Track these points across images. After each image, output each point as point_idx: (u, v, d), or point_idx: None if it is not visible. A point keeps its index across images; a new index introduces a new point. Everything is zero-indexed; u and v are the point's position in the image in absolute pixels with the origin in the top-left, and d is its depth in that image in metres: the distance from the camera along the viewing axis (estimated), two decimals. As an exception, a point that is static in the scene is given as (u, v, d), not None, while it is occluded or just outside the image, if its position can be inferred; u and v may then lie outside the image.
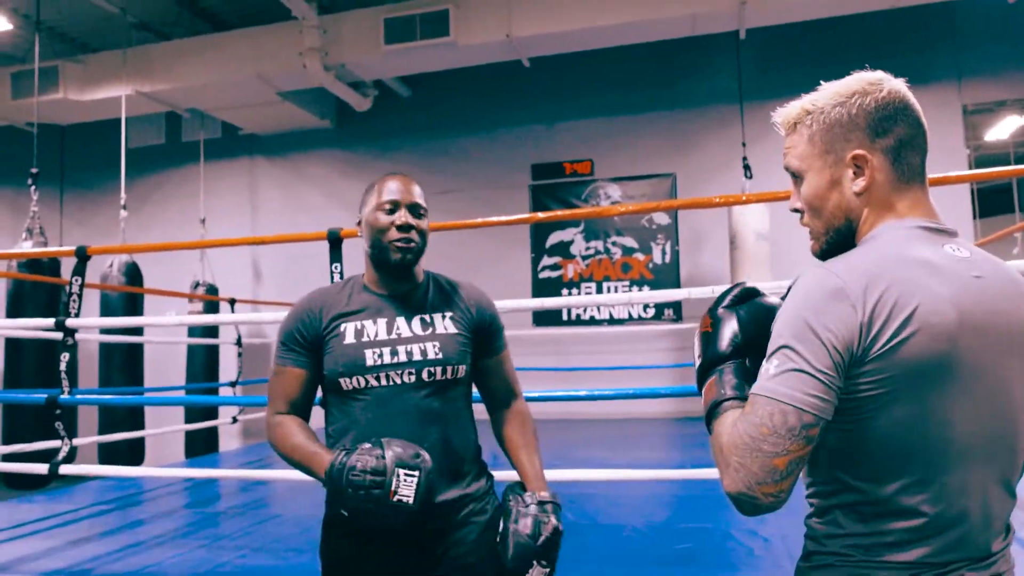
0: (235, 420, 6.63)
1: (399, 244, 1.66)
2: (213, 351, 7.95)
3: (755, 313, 1.14)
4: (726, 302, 1.17)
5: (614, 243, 8.31)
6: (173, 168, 9.63)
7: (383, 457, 1.48)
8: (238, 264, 9.03)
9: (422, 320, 1.70)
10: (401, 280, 1.71)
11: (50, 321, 3.19)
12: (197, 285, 8.07)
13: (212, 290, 8.06)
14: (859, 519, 1.02)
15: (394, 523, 1.50)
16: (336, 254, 2.95)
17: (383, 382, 1.64)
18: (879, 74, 1.13)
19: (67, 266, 8.09)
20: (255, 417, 8.93)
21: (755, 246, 6.85)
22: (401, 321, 1.66)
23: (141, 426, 7.14)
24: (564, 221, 8.33)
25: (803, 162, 1.14)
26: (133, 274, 6.98)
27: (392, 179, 1.73)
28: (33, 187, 6.22)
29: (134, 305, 7.11)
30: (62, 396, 3.12)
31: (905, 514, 0.99)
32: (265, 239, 3.33)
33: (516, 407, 1.85)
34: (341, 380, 1.64)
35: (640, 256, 8.21)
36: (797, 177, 1.16)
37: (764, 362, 1.01)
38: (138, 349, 7.16)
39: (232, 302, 7.15)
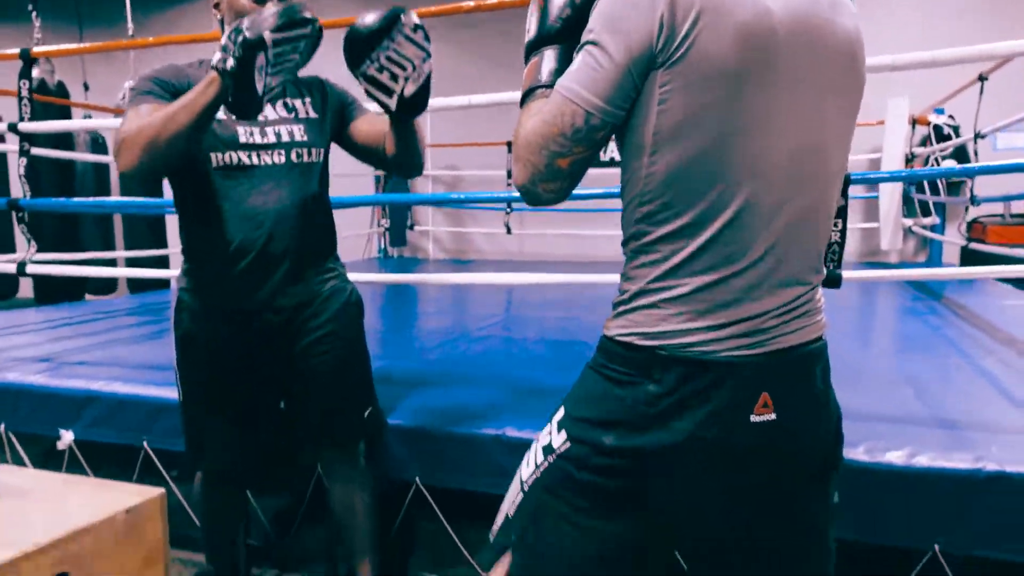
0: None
1: None
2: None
3: None
4: None
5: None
6: (190, 3, 9.42)
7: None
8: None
9: (285, 104, 1.71)
10: None
11: (3, 126, 3.24)
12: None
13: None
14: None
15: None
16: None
17: (254, 160, 1.64)
18: None
19: (80, 97, 8.16)
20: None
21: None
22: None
23: (164, 244, 7.33)
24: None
25: None
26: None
27: None
28: (35, 13, 6.15)
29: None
30: (22, 200, 3.21)
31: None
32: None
33: None
34: (213, 155, 1.60)
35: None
36: None
37: (575, 53, 0.97)
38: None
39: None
